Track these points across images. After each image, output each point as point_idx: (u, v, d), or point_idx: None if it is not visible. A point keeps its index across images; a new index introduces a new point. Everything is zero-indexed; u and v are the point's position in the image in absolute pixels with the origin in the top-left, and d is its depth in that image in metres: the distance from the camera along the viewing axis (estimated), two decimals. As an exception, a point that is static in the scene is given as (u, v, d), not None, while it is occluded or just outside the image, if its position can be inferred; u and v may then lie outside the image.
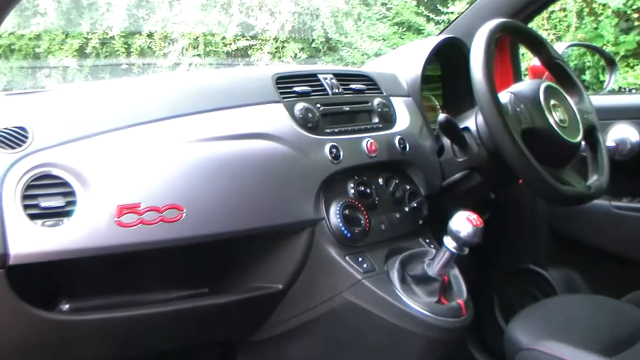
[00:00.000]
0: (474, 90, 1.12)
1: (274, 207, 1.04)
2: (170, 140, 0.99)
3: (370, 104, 1.28)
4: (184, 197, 0.95)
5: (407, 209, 1.22)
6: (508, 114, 1.17)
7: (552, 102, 1.22)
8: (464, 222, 1.01)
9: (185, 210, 0.94)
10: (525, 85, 1.27)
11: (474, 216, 1.02)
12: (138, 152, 0.96)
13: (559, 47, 1.55)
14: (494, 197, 1.44)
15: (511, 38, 1.62)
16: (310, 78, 1.24)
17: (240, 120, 1.08)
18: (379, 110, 1.28)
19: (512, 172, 1.12)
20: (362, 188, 1.15)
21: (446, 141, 1.30)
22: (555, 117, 1.20)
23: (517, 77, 1.69)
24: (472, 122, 1.26)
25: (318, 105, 1.18)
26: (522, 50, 1.75)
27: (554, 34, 3.70)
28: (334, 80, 1.26)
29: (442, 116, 1.23)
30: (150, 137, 0.98)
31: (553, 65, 1.34)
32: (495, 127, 1.10)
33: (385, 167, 1.24)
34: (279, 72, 1.21)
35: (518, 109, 1.20)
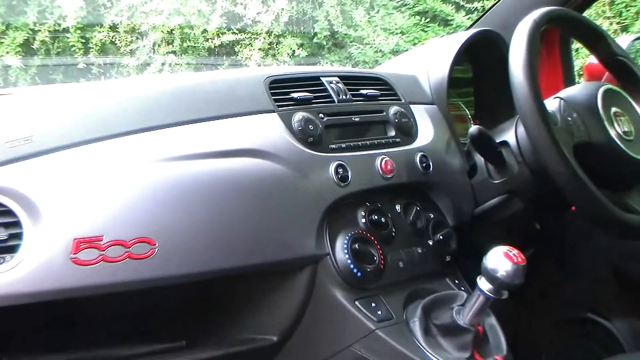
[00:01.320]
0: (513, 96, 1.14)
1: (267, 240, 1.06)
2: (139, 159, 1.01)
3: (385, 113, 1.30)
4: (156, 228, 0.96)
5: (430, 243, 1.24)
6: (557, 125, 1.19)
7: (614, 109, 1.24)
8: (501, 259, 1.02)
9: (157, 245, 0.96)
10: (579, 89, 1.30)
11: (514, 251, 1.03)
12: (100, 173, 0.96)
13: (623, 41, 1.57)
14: (540, 228, 1.46)
15: (561, 31, 1.64)
16: (312, 82, 1.27)
17: (226, 134, 1.10)
18: (396, 121, 1.30)
19: (563, 197, 1.14)
20: (376, 217, 1.17)
21: (479, 159, 1.32)
22: (617, 129, 1.21)
23: (569, 79, 1.72)
24: (512, 135, 1.28)
25: (321, 115, 1.21)
26: (576, 45, 1.78)
27: (618, 23, 3.63)
28: (340, 85, 1.29)
29: (473, 128, 1.25)
30: (114, 155, 1.00)
31: (615, 63, 1.35)
32: (541, 142, 1.12)
33: (404, 190, 1.26)
34: (272, 74, 1.24)
35: (569, 119, 1.22)
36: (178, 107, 1.11)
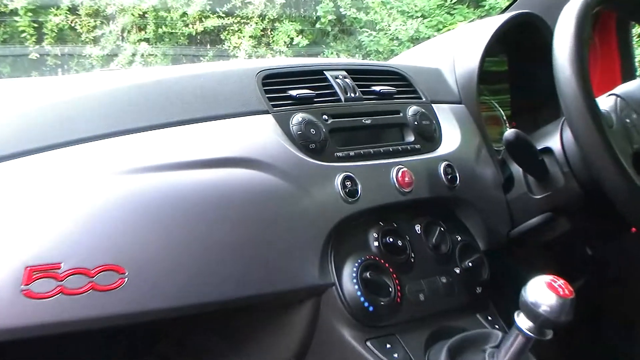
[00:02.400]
0: (558, 93, 1.15)
1: (259, 268, 1.07)
2: (105, 170, 1.01)
3: (402, 114, 1.32)
4: (125, 254, 0.97)
5: (458, 271, 1.25)
6: (612, 127, 1.19)
7: None
8: (544, 291, 1.02)
9: (127, 274, 0.96)
10: (639, 84, 1.31)
11: (560, 282, 1.03)
12: (57, 187, 0.97)
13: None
14: (592, 254, 1.46)
15: (619, 13, 1.65)
16: (313, 76, 1.29)
17: (209, 139, 1.11)
18: (416, 123, 1.32)
19: (620, 216, 1.14)
20: (391, 239, 1.19)
21: (516, 169, 1.33)
22: None
23: (628, 72, 1.73)
24: (556, 140, 1.30)
25: (325, 116, 1.23)
26: (638, 30, 1.77)
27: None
28: (348, 80, 1.30)
29: (509, 132, 1.26)
30: (74, 166, 1.01)
31: None
32: (593, 148, 1.13)
33: (425, 208, 1.27)
34: (266, 67, 1.26)
35: (628, 121, 1.22)
36: (152, 107, 1.12)
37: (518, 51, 1.61)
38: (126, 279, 0.96)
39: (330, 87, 1.28)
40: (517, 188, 1.33)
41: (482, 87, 1.46)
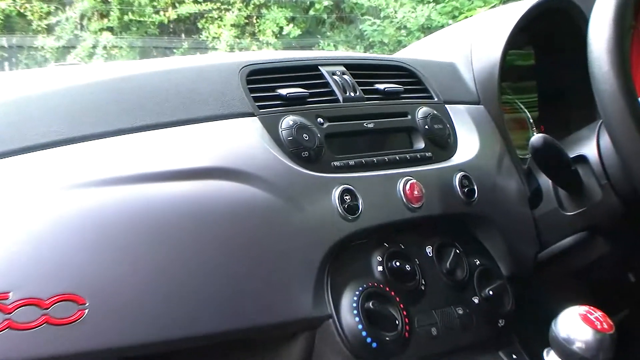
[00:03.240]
0: (594, 91, 1.16)
1: (243, 297, 1.07)
2: (62, 183, 1.02)
3: (411, 117, 1.33)
4: (86, 281, 0.97)
5: (476, 301, 1.25)
6: None
7: None
8: (579, 325, 1.03)
9: (88, 305, 0.96)
10: None
11: (597, 314, 1.04)
12: (3, 203, 0.97)
13: None
14: (636, 281, 1.46)
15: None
16: (307, 73, 1.30)
17: (185, 147, 1.12)
18: (427, 127, 1.33)
19: None
20: (398, 263, 1.19)
21: (545, 181, 1.35)
22: None
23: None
24: (592, 147, 1.30)
25: (320, 119, 1.24)
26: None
27: None
28: (347, 77, 1.31)
29: (537, 137, 1.26)
30: (25, 178, 1.01)
31: None
32: (636, 156, 1.14)
33: (438, 226, 1.28)
34: (251, 61, 1.27)
35: None
36: (115, 109, 1.13)
37: (547, 42, 1.62)
38: (87, 311, 0.96)
39: (327, 85, 1.29)
40: (546, 203, 1.34)
41: (505, 85, 1.47)
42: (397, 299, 1.17)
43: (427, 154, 1.31)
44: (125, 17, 4.62)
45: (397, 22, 4.33)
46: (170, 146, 1.11)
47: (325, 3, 4.49)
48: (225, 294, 1.06)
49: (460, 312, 1.23)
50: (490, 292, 1.26)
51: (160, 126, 1.13)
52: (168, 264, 1.03)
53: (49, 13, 4.76)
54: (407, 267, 1.20)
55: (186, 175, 1.08)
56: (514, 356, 1.26)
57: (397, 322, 1.15)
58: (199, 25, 4.57)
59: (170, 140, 1.12)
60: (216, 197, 1.09)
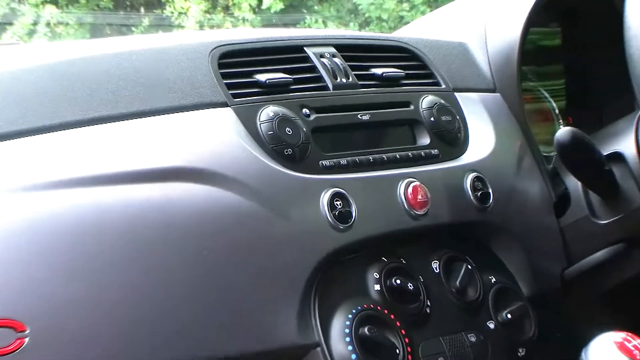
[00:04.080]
0: (631, 76, 1.16)
1: (213, 323, 1.07)
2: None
3: (413, 107, 1.34)
4: (26, 304, 0.97)
5: (492, 326, 1.26)
6: None
7: None
8: (614, 354, 1.03)
9: (29, 332, 0.96)
10: None
11: (636, 342, 1.04)
12: None
13: None
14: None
15: None
16: (291, 55, 1.31)
17: (145, 143, 1.12)
18: (433, 119, 1.33)
19: None
20: (398, 281, 1.20)
21: (573, 183, 1.35)
22: None
23: None
24: (629, 143, 1.31)
25: (306, 110, 1.25)
26: None
27: None
28: (338, 60, 1.32)
29: (564, 131, 1.27)
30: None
31: None
32: None
33: (446, 237, 1.30)
34: (224, 42, 1.28)
35: None
36: (61, 98, 1.13)
37: (576, 19, 1.63)
38: (27, 339, 0.96)
39: (314, 69, 1.30)
40: (575, 210, 1.35)
41: (526, 69, 1.48)
42: (398, 323, 1.17)
43: (432, 152, 1.32)
44: (73, -10, 4.59)
45: (398, -6, 4.32)
46: (126, 142, 1.12)
47: (314, -27, 4.47)
48: (192, 319, 1.06)
49: (473, 339, 1.24)
50: (509, 316, 1.27)
51: (114, 119, 1.13)
52: (123, 285, 1.03)
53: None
54: (410, 286, 1.20)
55: (145, 177, 1.09)
56: None
57: (397, 351, 1.15)
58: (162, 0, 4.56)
59: (127, 135, 1.12)
60: (181, 203, 1.09)
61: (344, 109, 1.28)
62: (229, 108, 1.20)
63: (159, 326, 1.04)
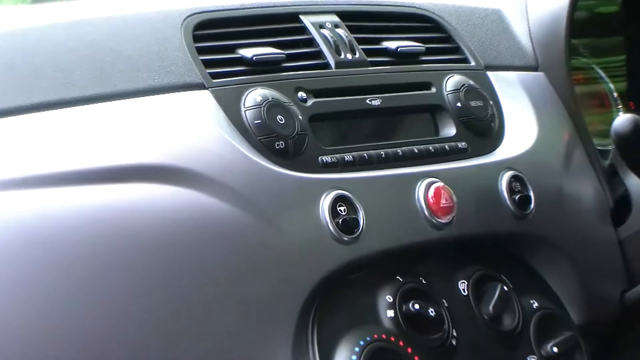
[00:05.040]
0: None
1: (192, 353, 1.07)
2: None
3: (436, 90, 1.34)
4: None
5: (534, 360, 1.27)
6: None
7: None
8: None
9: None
10: None
11: None
12: None
13: None
14: None
15: None
16: (283, 25, 1.31)
17: (102, 133, 1.12)
18: (459, 105, 1.33)
19: None
20: (417, 306, 1.19)
21: (635, 184, 1.36)
22: None
23: None
24: None
25: (302, 94, 1.24)
26: None
27: None
28: (342, 31, 1.32)
29: (624, 119, 1.26)
30: None
31: None
32: None
33: (476, 251, 1.30)
34: (200, 9, 1.27)
35: None
36: (2, 79, 1.12)
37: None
38: None
39: (311, 43, 1.30)
40: (638, 217, 1.36)
41: (576, 42, 1.47)
42: (416, 358, 1.17)
43: (459, 145, 1.32)
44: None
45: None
46: (78, 134, 1.11)
47: None
48: (162, 351, 1.06)
49: None
50: (555, 349, 1.26)
51: (64, 104, 1.12)
52: (74, 308, 1.02)
53: None
54: (431, 312, 1.20)
55: (102, 177, 1.08)
56: None
57: None
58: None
59: (79, 124, 1.12)
60: (145, 210, 1.09)
61: (349, 92, 1.28)
62: (206, 91, 1.20)
63: (126, 351, 1.04)
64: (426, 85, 1.34)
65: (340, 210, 1.18)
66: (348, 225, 1.17)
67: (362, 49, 1.32)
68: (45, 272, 1.01)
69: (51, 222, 1.03)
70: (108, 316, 1.03)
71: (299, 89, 1.24)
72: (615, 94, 1.62)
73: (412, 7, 1.44)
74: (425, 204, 1.24)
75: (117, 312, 1.03)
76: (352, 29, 1.33)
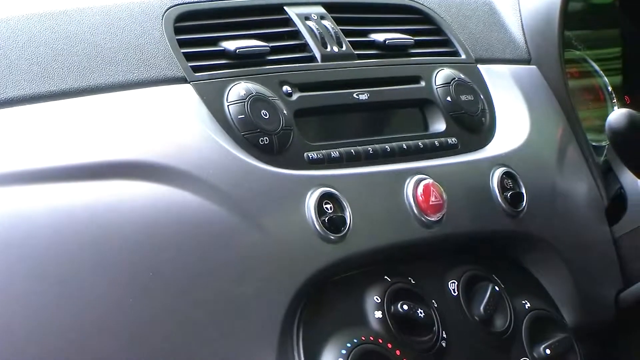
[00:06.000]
0: None
1: (172, 353, 1.06)
2: None
3: (425, 84, 1.34)
4: None
5: (526, 364, 1.26)
6: None
7: None
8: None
9: None
10: None
11: None
12: None
13: None
14: None
15: None
16: (267, 17, 1.30)
17: (79, 128, 1.11)
18: (449, 100, 1.33)
19: None
20: (405, 307, 1.19)
21: (631, 181, 1.35)
22: None
23: None
24: None
25: (287, 88, 1.24)
26: None
27: None
28: (328, 23, 1.31)
29: (619, 114, 1.25)
30: None
31: None
32: None
33: (467, 250, 1.29)
34: (182, 0, 1.26)
35: None
36: None
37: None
38: None
39: (297, 35, 1.30)
40: (633, 215, 1.35)
41: (570, 35, 1.47)
42: None
43: (449, 141, 1.31)
44: None
45: None
46: (55, 129, 1.10)
47: None
48: (141, 352, 1.05)
49: None
50: (548, 351, 1.26)
51: (42, 98, 1.11)
52: (50, 309, 1.01)
53: None
54: (420, 313, 1.19)
55: (79, 173, 1.07)
56: None
57: None
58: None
59: (58, 119, 1.11)
60: (124, 208, 1.08)
61: (336, 86, 1.28)
62: (188, 85, 1.19)
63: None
64: (415, 79, 1.33)
65: (326, 208, 1.17)
66: (334, 224, 1.17)
67: (349, 42, 1.31)
68: (20, 273, 1.00)
69: (27, 221, 1.02)
70: (85, 316, 1.01)
71: (283, 82, 1.24)
72: (610, 88, 1.61)
73: None
74: (414, 201, 1.23)
75: (95, 312, 1.02)
76: (338, 21, 1.32)
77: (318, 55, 1.28)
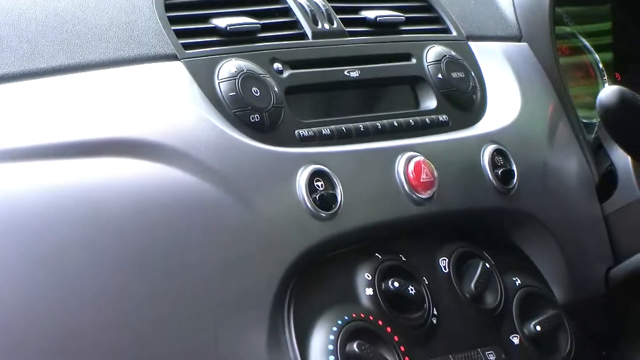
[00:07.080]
0: None
1: (158, 338, 1.07)
2: None
3: (416, 61, 1.35)
4: None
5: (516, 341, 1.27)
6: None
7: None
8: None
9: None
10: None
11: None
12: None
13: None
14: None
15: None
16: None
17: (68, 105, 1.12)
18: (441, 77, 1.34)
19: None
20: (396, 284, 1.20)
21: (621, 158, 1.37)
22: None
23: None
24: None
25: (278, 65, 1.25)
26: None
27: None
28: (318, 0, 1.32)
29: (610, 91, 1.26)
30: None
31: None
32: None
33: (458, 227, 1.31)
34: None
35: None
36: None
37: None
38: None
39: (287, 12, 1.31)
40: (623, 192, 1.37)
41: (561, 11, 1.48)
42: (396, 338, 1.18)
43: (440, 118, 1.32)
44: None
45: None
46: (44, 106, 1.11)
47: None
48: (132, 332, 1.06)
49: (492, 358, 1.25)
50: (538, 328, 1.28)
51: (31, 75, 1.12)
52: (39, 290, 1.02)
53: None
54: (411, 290, 1.21)
55: (68, 151, 1.08)
56: None
57: None
58: None
59: (48, 96, 1.12)
60: (114, 185, 1.09)
61: (327, 63, 1.29)
62: (179, 62, 1.20)
63: (89, 339, 1.03)
64: (406, 56, 1.34)
65: (317, 185, 1.18)
66: (325, 201, 1.18)
67: (340, 19, 1.32)
68: (8, 252, 1.00)
69: (16, 199, 1.03)
70: (76, 295, 1.02)
71: (274, 60, 1.25)
72: (600, 65, 1.62)
73: None
74: (405, 179, 1.24)
75: (86, 291, 1.03)
76: None
77: (309, 33, 1.29)
